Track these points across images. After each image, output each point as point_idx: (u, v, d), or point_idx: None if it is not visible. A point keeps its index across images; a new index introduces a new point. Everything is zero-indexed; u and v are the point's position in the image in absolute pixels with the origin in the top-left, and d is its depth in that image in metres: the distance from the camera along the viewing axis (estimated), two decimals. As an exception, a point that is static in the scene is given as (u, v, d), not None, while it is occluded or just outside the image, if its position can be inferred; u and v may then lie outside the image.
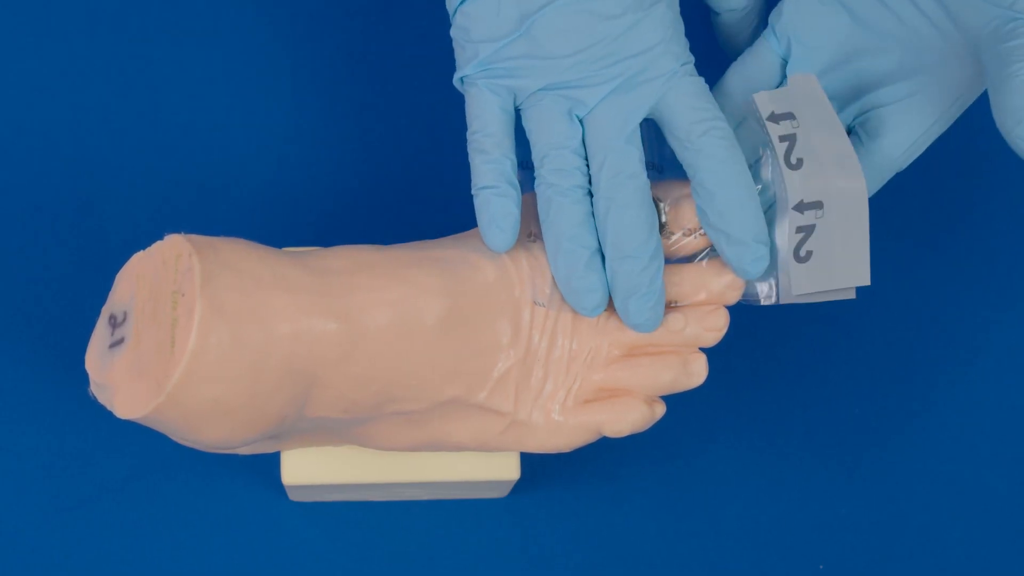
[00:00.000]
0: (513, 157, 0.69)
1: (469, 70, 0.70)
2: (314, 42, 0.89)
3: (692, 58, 0.71)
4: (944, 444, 0.87)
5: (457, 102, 0.72)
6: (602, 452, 0.84)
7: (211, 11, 0.89)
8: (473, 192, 0.69)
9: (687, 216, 0.71)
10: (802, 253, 0.71)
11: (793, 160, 0.71)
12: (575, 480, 0.85)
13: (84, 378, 0.66)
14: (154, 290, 0.64)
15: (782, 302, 0.73)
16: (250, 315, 0.63)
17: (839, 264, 0.71)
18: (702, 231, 0.71)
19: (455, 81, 0.71)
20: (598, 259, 0.69)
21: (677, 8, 0.70)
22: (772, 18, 0.75)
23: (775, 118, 0.72)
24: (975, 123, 0.90)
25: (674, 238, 0.71)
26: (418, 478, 0.76)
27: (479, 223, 0.69)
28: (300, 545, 0.84)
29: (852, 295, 0.72)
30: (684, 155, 0.70)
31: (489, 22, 0.69)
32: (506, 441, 0.71)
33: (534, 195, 0.72)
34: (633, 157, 0.69)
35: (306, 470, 0.75)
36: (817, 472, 0.86)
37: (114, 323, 0.65)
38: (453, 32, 0.71)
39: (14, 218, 0.85)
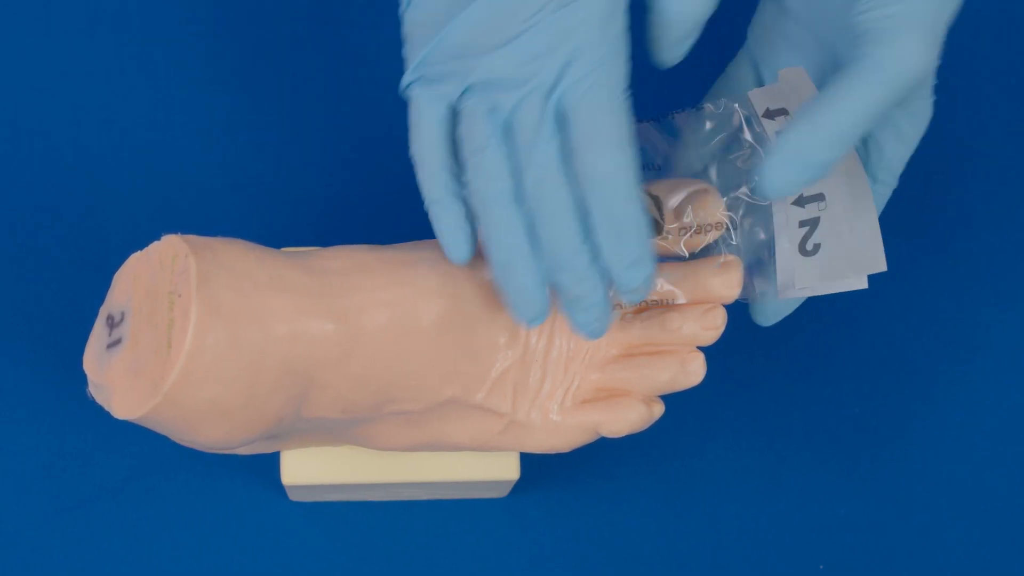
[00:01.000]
0: (452, 165, 0.67)
1: (405, 78, 0.68)
2: (314, 42, 0.89)
3: (621, 60, 0.66)
4: (944, 444, 0.87)
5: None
6: (601, 452, 0.84)
7: (211, 11, 0.89)
8: (425, 207, 0.68)
9: (685, 214, 0.71)
10: (808, 247, 0.71)
11: None
12: (575, 480, 0.85)
13: (83, 378, 0.66)
14: (151, 291, 0.64)
15: (783, 297, 0.73)
16: (247, 316, 0.63)
17: (850, 254, 0.71)
18: (699, 230, 0.71)
19: (400, 90, 0.69)
20: (536, 268, 0.66)
21: (604, 7, 0.65)
22: (746, 47, 0.74)
23: (770, 114, 0.72)
24: (975, 123, 0.90)
25: (672, 237, 0.71)
26: (418, 478, 0.76)
27: (437, 236, 0.68)
28: (300, 545, 0.84)
29: (864, 284, 0.72)
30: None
31: (421, 29, 0.67)
32: (504, 441, 0.71)
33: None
34: (551, 161, 0.65)
35: (306, 470, 0.75)
36: (817, 472, 0.86)
37: (111, 324, 0.66)
38: (404, 39, 0.69)
39: (14, 218, 0.86)
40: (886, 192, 0.74)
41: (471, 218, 0.67)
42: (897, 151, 0.73)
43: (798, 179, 0.66)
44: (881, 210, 0.74)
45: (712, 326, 0.70)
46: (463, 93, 0.66)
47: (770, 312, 0.76)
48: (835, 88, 0.66)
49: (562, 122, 0.65)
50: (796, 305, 0.76)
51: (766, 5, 0.77)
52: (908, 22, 0.66)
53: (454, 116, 0.67)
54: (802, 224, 0.72)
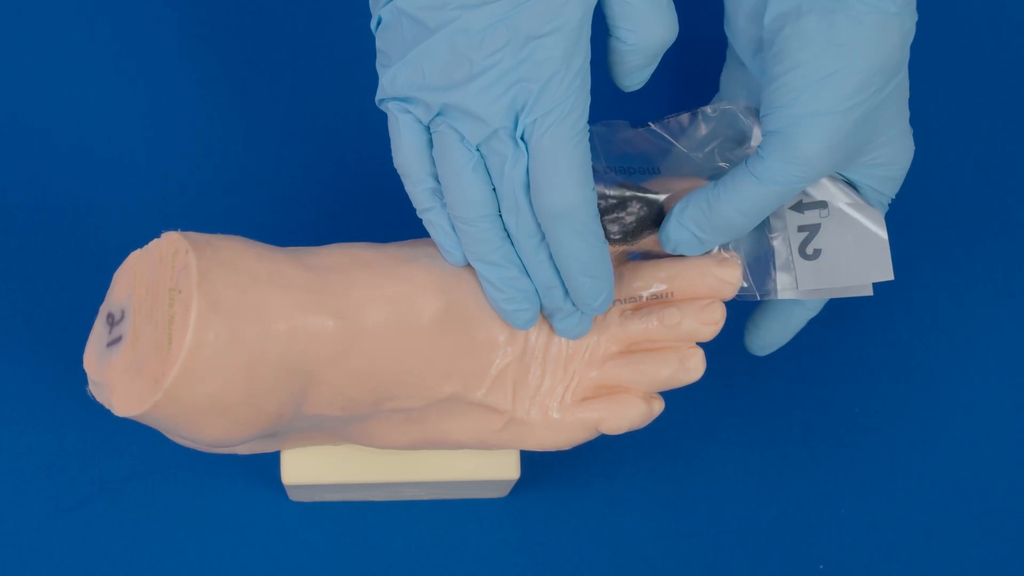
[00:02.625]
0: (437, 173, 0.68)
1: (378, 94, 0.68)
2: (313, 41, 0.89)
3: (583, 98, 0.66)
4: (944, 444, 0.87)
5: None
6: (602, 452, 0.84)
7: (211, 11, 0.89)
8: (418, 216, 0.69)
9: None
10: (809, 251, 0.72)
11: None
12: (575, 480, 0.85)
13: (83, 378, 0.66)
14: (151, 288, 0.64)
15: (782, 297, 0.73)
16: (247, 312, 0.63)
17: (854, 262, 0.72)
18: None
19: (376, 102, 0.69)
20: (522, 276, 0.68)
21: (566, 46, 0.65)
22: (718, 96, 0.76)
23: None
24: (975, 123, 0.90)
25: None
26: (418, 477, 0.76)
27: (435, 243, 0.69)
28: (300, 545, 0.84)
29: (869, 292, 0.73)
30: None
31: (391, 47, 0.67)
32: (504, 439, 0.71)
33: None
34: (520, 196, 0.66)
35: (306, 470, 0.75)
36: (817, 472, 0.86)
37: (112, 321, 0.66)
38: (377, 54, 0.69)
39: (14, 218, 0.86)
40: None
41: None
42: (875, 195, 0.73)
43: (696, 250, 0.71)
44: None
45: (710, 321, 0.71)
46: (435, 116, 0.67)
47: (765, 343, 0.77)
48: (733, 183, 0.69)
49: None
50: (790, 336, 0.77)
51: (730, 59, 0.78)
52: (807, 129, 0.67)
53: (429, 131, 0.68)
54: (801, 229, 0.72)
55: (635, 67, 0.69)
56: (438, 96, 0.66)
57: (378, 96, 0.68)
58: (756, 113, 0.72)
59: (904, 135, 0.72)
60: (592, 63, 0.66)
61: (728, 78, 0.78)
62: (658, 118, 0.74)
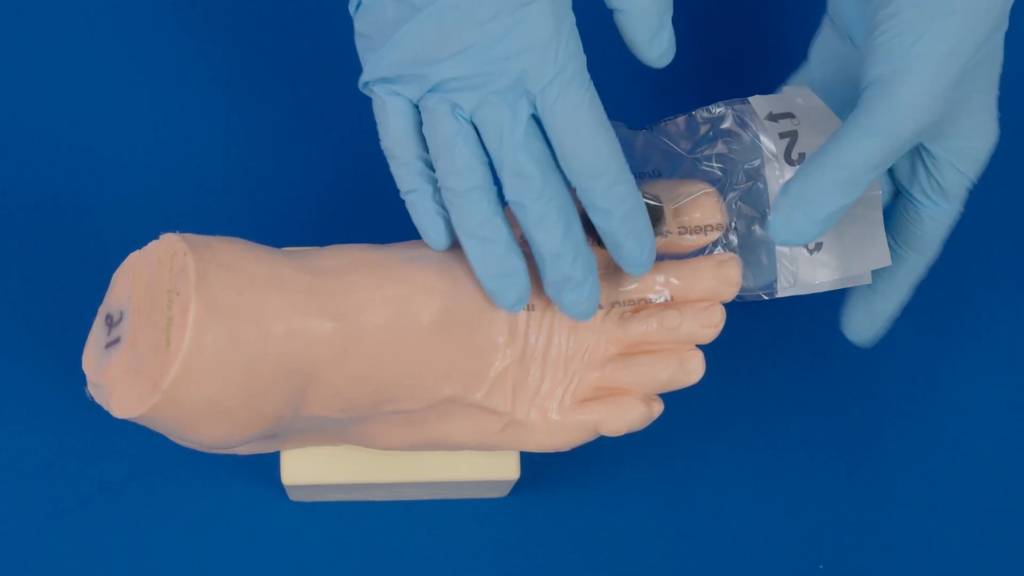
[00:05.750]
0: (426, 155, 0.68)
1: (363, 77, 0.68)
2: (313, 41, 0.89)
3: (580, 58, 0.66)
4: (944, 444, 0.87)
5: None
6: (602, 453, 0.84)
7: (211, 11, 0.89)
8: (402, 197, 0.69)
9: (686, 215, 0.71)
10: (811, 245, 0.72)
11: (795, 156, 0.71)
12: (575, 480, 0.85)
13: (83, 378, 0.66)
14: (150, 289, 0.64)
15: (782, 295, 0.73)
16: (245, 314, 0.63)
17: (852, 251, 0.72)
18: (699, 231, 0.71)
19: (359, 86, 0.69)
20: (511, 252, 0.68)
21: (554, 10, 0.65)
22: (805, 67, 0.76)
23: (774, 117, 0.72)
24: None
25: (672, 236, 0.72)
26: (418, 478, 0.76)
27: (416, 226, 0.69)
28: (300, 545, 0.84)
29: (868, 280, 0.73)
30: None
31: (374, 29, 0.67)
32: (504, 440, 0.71)
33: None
34: (522, 159, 0.66)
35: (306, 470, 0.75)
36: (817, 472, 0.86)
37: (110, 323, 0.66)
38: (356, 38, 0.69)
39: (14, 218, 0.86)
40: (948, 216, 0.74)
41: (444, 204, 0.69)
42: (953, 177, 0.73)
43: (808, 229, 0.68)
44: (948, 232, 0.74)
45: (710, 323, 0.71)
46: (426, 92, 0.67)
47: (866, 333, 0.77)
48: (836, 139, 0.67)
49: (537, 120, 0.66)
50: (890, 320, 0.77)
51: (825, 28, 0.77)
52: (909, 75, 0.67)
53: (418, 111, 0.68)
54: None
55: (650, 33, 0.68)
56: (431, 71, 0.66)
57: (363, 79, 0.68)
58: (756, 114, 0.72)
59: (987, 111, 0.71)
60: (592, 63, 0.66)
61: (820, 48, 0.77)
62: (656, 120, 0.74)
